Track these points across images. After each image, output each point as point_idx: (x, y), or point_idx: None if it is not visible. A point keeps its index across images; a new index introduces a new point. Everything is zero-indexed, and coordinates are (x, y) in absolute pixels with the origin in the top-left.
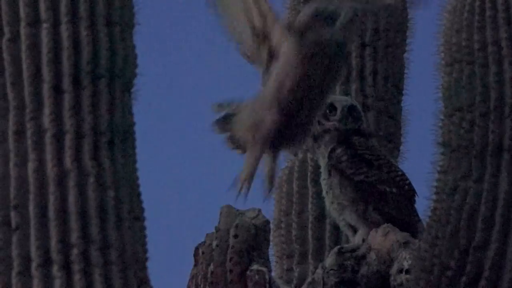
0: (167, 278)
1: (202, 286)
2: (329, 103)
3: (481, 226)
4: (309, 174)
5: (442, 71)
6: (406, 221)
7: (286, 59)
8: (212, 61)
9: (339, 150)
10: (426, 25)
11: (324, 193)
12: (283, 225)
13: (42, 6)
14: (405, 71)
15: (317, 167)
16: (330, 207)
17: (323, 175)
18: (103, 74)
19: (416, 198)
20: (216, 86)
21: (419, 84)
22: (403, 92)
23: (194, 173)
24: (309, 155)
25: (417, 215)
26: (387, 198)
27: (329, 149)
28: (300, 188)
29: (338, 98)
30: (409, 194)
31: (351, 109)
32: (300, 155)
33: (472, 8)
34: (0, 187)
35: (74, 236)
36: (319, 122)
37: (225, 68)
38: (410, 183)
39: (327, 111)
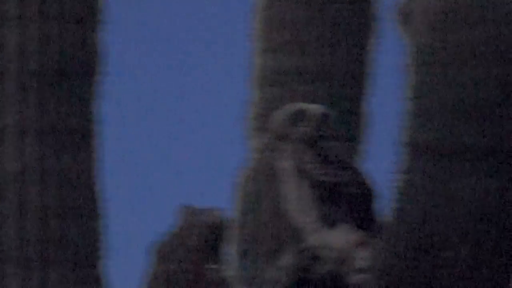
0: (125, 276)
1: (160, 284)
2: (301, 108)
3: (441, 226)
4: (271, 173)
5: (410, 72)
6: (367, 222)
7: None
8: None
9: (305, 151)
10: (392, 25)
11: (288, 194)
12: (242, 225)
13: (12, 3)
14: (371, 71)
15: (278, 166)
16: (292, 208)
17: (287, 178)
18: (68, 71)
19: (378, 199)
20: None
21: (385, 84)
22: (370, 91)
23: (154, 171)
24: (271, 154)
25: (378, 215)
26: (350, 199)
27: (294, 150)
28: (261, 187)
29: (310, 106)
30: (372, 196)
31: (323, 116)
32: (263, 154)
33: (445, 9)
34: None
35: (33, 233)
36: (289, 125)
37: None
38: (373, 186)
39: (298, 116)
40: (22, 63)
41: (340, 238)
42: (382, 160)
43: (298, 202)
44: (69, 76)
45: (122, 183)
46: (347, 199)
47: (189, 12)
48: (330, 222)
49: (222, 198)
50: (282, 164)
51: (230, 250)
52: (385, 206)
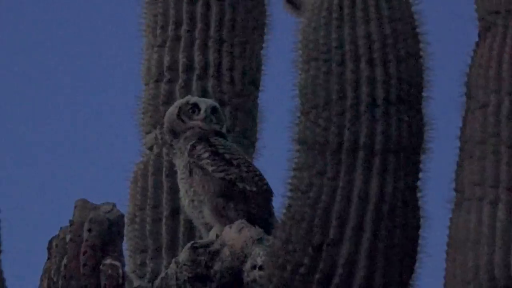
0: (21, 271)
1: (55, 279)
2: (193, 103)
3: (335, 223)
4: (164, 169)
5: (299, 69)
6: (263, 219)
7: None
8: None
9: (199, 147)
10: (284, 22)
11: (182, 191)
12: (137, 220)
13: None
14: (262, 67)
15: (172, 162)
16: (190, 205)
17: (182, 173)
18: None
19: (272, 196)
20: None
21: (276, 81)
22: (260, 88)
23: (50, 167)
24: (164, 150)
25: (273, 213)
26: (246, 196)
27: (189, 146)
28: (155, 183)
29: (201, 99)
30: (267, 194)
31: (214, 110)
32: (156, 150)
33: (330, 6)
34: None
35: None
36: (182, 120)
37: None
38: (267, 183)
39: (190, 111)
40: None
41: (236, 234)
42: (275, 157)
43: (194, 199)
44: None
45: (18, 179)
46: (242, 195)
47: (76, 8)
48: (225, 218)
49: (117, 193)
50: (177, 161)
51: (127, 245)
52: (279, 202)
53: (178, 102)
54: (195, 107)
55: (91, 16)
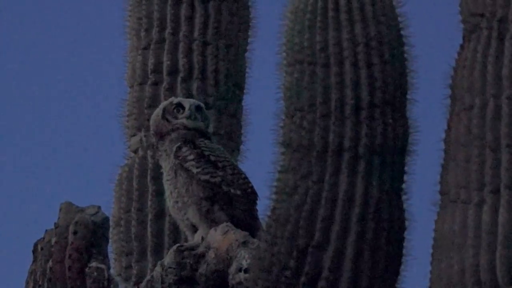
0: (5, 274)
1: (40, 282)
2: (177, 103)
3: (320, 225)
4: (149, 171)
5: (283, 71)
6: (248, 222)
7: None
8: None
9: (185, 149)
10: (269, 25)
11: (167, 193)
12: (122, 223)
13: None
14: (247, 70)
15: (157, 165)
16: (174, 206)
17: (167, 175)
18: None
19: (257, 198)
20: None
21: (261, 84)
22: (244, 91)
23: (34, 169)
24: (149, 152)
25: (257, 216)
26: (231, 199)
27: (174, 148)
28: (140, 186)
29: (185, 99)
30: (252, 196)
31: (198, 108)
32: (141, 153)
33: (314, 9)
34: None
35: None
36: (167, 120)
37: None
38: (252, 186)
39: (175, 110)
40: None
41: (221, 237)
42: (260, 159)
43: (179, 201)
44: None
45: (3, 181)
46: (227, 197)
47: (62, 11)
48: (211, 220)
49: (102, 196)
50: (163, 163)
51: (112, 248)
52: (264, 205)
53: (163, 103)
54: (179, 106)
55: (76, 18)
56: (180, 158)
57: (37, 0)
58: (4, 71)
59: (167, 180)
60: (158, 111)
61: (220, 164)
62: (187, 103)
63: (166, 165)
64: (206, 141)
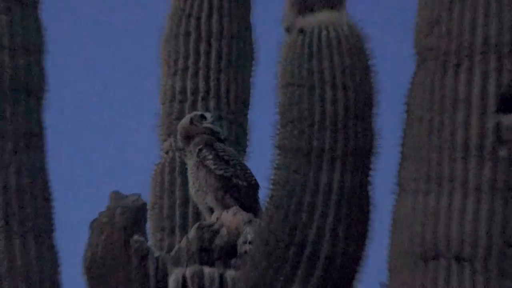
0: (72, 245)
1: (95, 251)
2: (200, 114)
3: (306, 209)
4: (177, 168)
5: (279, 92)
6: (251, 206)
7: None
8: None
9: (205, 150)
10: (267, 57)
11: (191, 183)
12: (157, 206)
13: None
14: (251, 91)
15: (183, 162)
16: (196, 194)
17: (191, 170)
18: (20, 89)
19: (259, 189)
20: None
21: (262, 101)
22: (249, 107)
23: (99, 171)
24: (177, 153)
25: (259, 201)
26: (239, 188)
27: (197, 149)
28: (170, 178)
29: (205, 111)
30: (255, 187)
31: (214, 118)
32: (170, 154)
33: (302, 45)
34: None
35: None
36: (195, 125)
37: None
38: (255, 179)
39: (199, 118)
40: None
41: (231, 217)
42: (261, 159)
43: (200, 190)
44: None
45: (76, 175)
46: (236, 188)
47: (111, 44)
48: (224, 205)
49: (142, 187)
50: (188, 161)
51: (150, 226)
52: (264, 194)
53: (189, 115)
54: (202, 116)
55: (123, 52)
56: (201, 157)
57: (86, 26)
58: (64, 87)
59: (191, 173)
60: (186, 120)
61: (231, 162)
62: (208, 114)
63: (190, 162)
64: (221, 144)
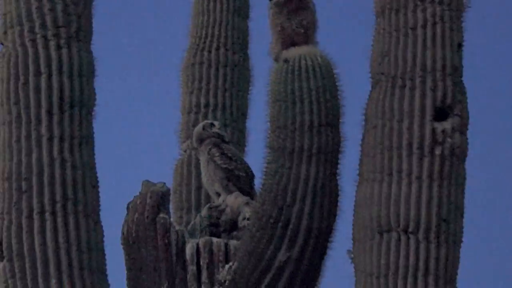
0: (114, 222)
1: (131, 225)
2: (211, 122)
3: (290, 194)
4: (193, 163)
5: (269, 106)
6: (249, 192)
7: None
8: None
9: (214, 150)
10: (261, 79)
11: (203, 174)
12: (177, 192)
13: (42, 63)
14: (248, 105)
15: (197, 159)
16: (207, 182)
17: (203, 164)
18: (75, 104)
19: (255, 179)
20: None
21: (257, 112)
22: (247, 116)
23: (132, 163)
24: (193, 152)
25: (254, 188)
26: (239, 178)
27: (207, 149)
28: (188, 171)
29: (214, 121)
30: (251, 177)
31: (220, 125)
32: (188, 152)
33: (287, 71)
34: (16, 167)
35: (58, 195)
36: (206, 131)
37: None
38: (252, 171)
39: (210, 126)
40: (50, 99)
41: (234, 200)
42: (256, 156)
43: (209, 179)
44: (75, 107)
45: (116, 168)
46: (237, 177)
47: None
48: (228, 190)
49: (167, 177)
50: (201, 158)
51: (172, 206)
52: (259, 182)
53: (201, 123)
54: (212, 124)
55: (154, 76)
56: (211, 155)
57: (126, 57)
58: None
59: (203, 167)
60: (199, 127)
61: (233, 158)
62: (216, 122)
63: (202, 158)
64: (226, 145)
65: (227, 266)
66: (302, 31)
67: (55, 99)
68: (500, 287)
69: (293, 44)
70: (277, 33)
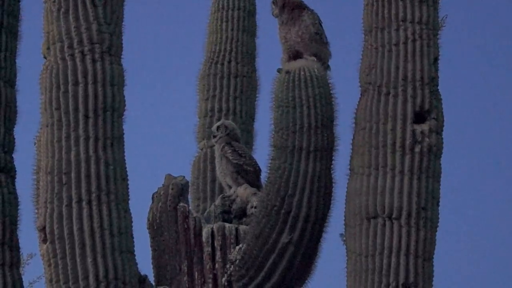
0: (140, 210)
1: (155, 212)
2: (223, 124)
3: (291, 186)
4: (208, 159)
5: (273, 110)
6: (256, 184)
7: None
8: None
9: (226, 147)
10: (267, 88)
11: (217, 168)
12: (195, 184)
13: (79, 74)
14: (256, 109)
15: (213, 155)
16: (220, 175)
17: (217, 159)
18: (108, 109)
19: (262, 173)
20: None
21: (264, 116)
22: (255, 120)
23: (157, 160)
24: (208, 150)
25: (261, 181)
26: (248, 172)
27: (221, 146)
28: (204, 166)
29: (225, 122)
30: (258, 171)
31: (231, 125)
32: (204, 150)
33: (288, 82)
34: (57, 163)
35: (94, 187)
36: (220, 131)
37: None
38: (259, 166)
39: (221, 127)
40: (86, 104)
41: (243, 191)
42: (263, 153)
43: (222, 172)
44: (108, 112)
45: (143, 164)
46: (246, 172)
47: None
48: (238, 183)
49: (186, 171)
50: (215, 154)
51: (191, 196)
52: (264, 176)
53: (217, 123)
54: (223, 124)
55: (176, 86)
56: (224, 151)
57: (151, 69)
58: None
59: (217, 162)
60: (214, 127)
61: (243, 155)
62: (227, 123)
63: (217, 155)
64: (236, 143)
65: (237, 248)
66: (299, 40)
67: (90, 105)
68: (472, 266)
69: (297, 53)
70: (283, 45)
